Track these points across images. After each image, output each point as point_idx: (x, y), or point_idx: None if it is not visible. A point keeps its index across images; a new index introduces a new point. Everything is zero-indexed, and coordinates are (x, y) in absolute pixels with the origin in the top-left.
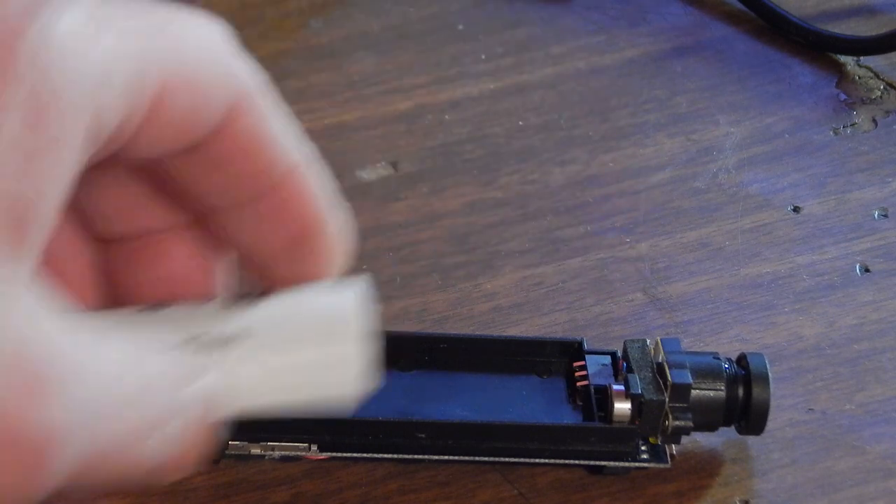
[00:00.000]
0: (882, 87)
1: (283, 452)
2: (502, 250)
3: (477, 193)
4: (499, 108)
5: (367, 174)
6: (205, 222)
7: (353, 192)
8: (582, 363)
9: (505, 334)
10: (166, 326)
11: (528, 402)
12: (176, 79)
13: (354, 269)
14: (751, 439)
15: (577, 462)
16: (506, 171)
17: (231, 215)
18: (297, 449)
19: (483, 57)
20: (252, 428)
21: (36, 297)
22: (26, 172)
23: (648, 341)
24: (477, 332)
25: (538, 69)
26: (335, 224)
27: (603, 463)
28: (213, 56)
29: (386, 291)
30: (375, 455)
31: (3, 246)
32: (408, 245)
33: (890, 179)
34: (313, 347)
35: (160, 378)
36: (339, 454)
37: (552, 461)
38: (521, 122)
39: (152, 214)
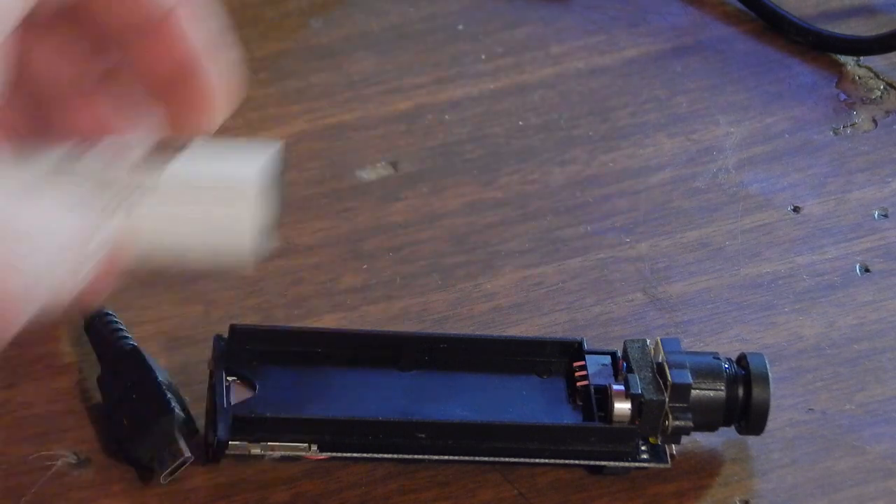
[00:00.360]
0: (882, 87)
1: (283, 452)
2: (502, 250)
3: (477, 193)
4: (499, 108)
5: (367, 174)
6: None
7: (353, 192)
8: (582, 363)
9: (505, 334)
10: (86, 173)
11: (528, 402)
12: None
13: (355, 269)
14: (751, 439)
15: (577, 462)
16: (506, 171)
17: (128, 52)
18: (298, 449)
19: (483, 57)
20: (252, 428)
21: None
22: None
23: (648, 341)
24: (477, 332)
25: (538, 69)
26: (213, 64)
27: (603, 463)
28: None
29: (386, 291)
30: (376, 455)
31: None
32: (408, 245)
33: (890, 179)
34: (210, 204)
35: (75, 234)
36: (340, 454)
37: (552, 461)
38: (521, 122)
39: (72, 62)
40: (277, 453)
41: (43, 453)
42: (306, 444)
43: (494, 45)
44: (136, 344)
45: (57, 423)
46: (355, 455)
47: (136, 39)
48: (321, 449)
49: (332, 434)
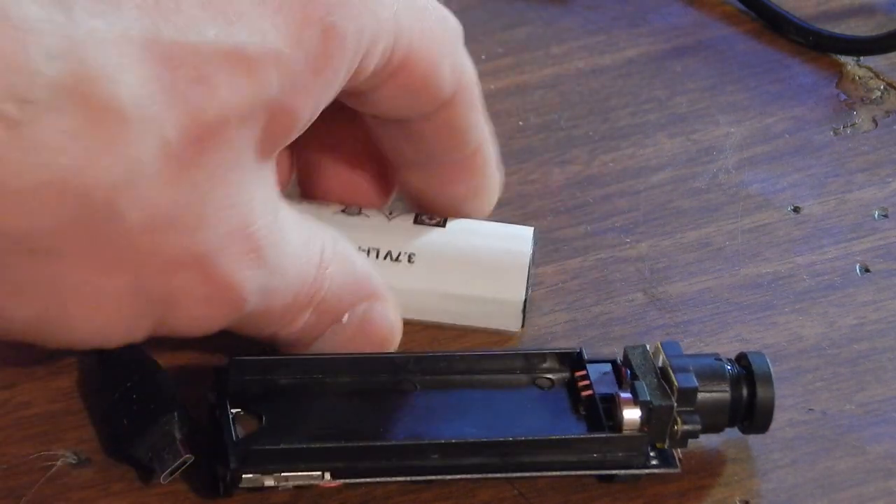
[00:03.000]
0: (882, 87)
1: (297, 482)
2: None
3: None
4: (499, 108)
5: None
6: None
7: None
8: (584, 372)
9: (503, 349)
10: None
11: (532, 415)
12: (420, 50)
13: None
14: (751, 439)
15: (588, 472)
16: (506, 171)
17: (419, 171)
18: (312, 478)
19: (483, 57)
20: (266, 460)
21: (271, 185)
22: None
23: (648, 346)
24: (474, 346)
25: (538, 69)
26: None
27: (614, 472)
28: (450, 38)
29: None
30: (389, 479)
31: (268, 146)
32: None
33: (890, 179)
34: (483, 285)
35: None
36: (353, 480)
37: (565, 473)
38: (521, 122)
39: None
40: (291, 483)
41: (43, 453)
42: (320, 473)
43: (494, 45)
44: (136, 344)
45: (57, 423)
46: (368, 480)
47: (432, 167)
48: (334, 476)
49: (345, 461)
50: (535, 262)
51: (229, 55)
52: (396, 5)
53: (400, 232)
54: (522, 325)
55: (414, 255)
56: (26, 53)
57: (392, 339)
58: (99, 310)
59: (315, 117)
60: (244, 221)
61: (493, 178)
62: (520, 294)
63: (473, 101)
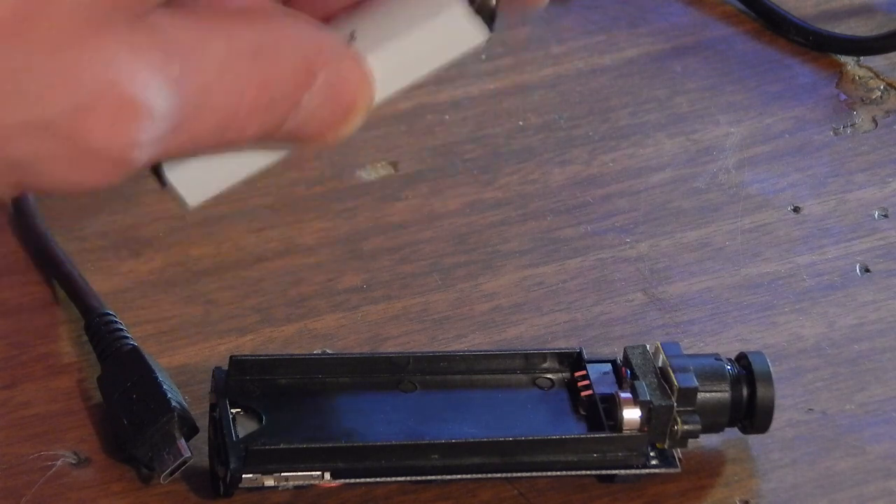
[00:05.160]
0: (882, 87)
1: (296, 482)
2: (502, 250)
3: (477, 193)
4: (499, 108)
5: (367, 174)
6: None
7: (353, 192)
8: (583, 373)
9: (503, 349)
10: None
11: (532, 415)
12: None
13: (356, 269)
14: (751, 439)
15: (588, 472)
16: (506, 171)
17: None
18: (311, 478)
19: (483, 57)
20: (266, 460)
21: (155, 33)
22: None
23: (648, 346)
24: (476, 342)
25: (538, 69)
26: None
27: (615, 472)
28: None
29: (386, 291)
30: (388, 479)
31: None
32: (408, 245)
33: (890, 179)
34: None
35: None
36: (352, 480)
37: (565, 473)
38: (521, 122)
39: None
40: (291, 483)
41: (43, 453)
42: (320, 473)
43: (494, 45)
44: (136, 344)
45: (57, 423)
46: (367, 480)
47: None
48: (334, 476)
49: (345, 461)
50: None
51: None
52: None
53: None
54: (491, 29)
55: (354, 31)
56: None
57: (364, 95)
58: None
59: None
60: (109, 79)
61: None
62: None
63: None
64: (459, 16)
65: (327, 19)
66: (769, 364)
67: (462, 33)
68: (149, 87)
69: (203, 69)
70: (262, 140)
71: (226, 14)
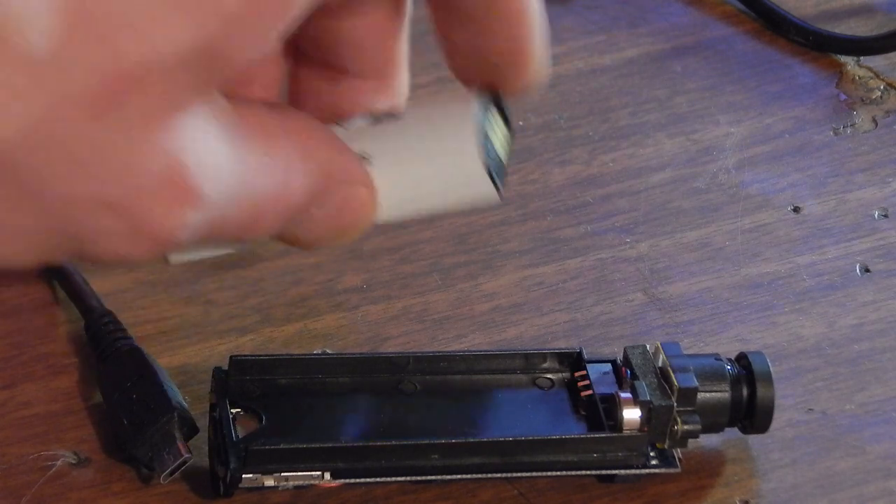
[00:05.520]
0: (882, 87)
1: (297, 483)
2: (502, 250)
3: None
4: None
5: None
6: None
7: None
8: (583, 373)
9: (503, 349)
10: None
11: (532, 415)
12: None
13: (355, 269)
14: (751, 439)
15: (588, 472)
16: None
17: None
18: (312, 478)
19: None
20: (266, 460)
21: (215, 120)
22: None
23: (648, 346)
24: (475, 342)
25: None
26: (539, 49)
27: (615, 472)
28: None
29: (386, 291)
30: (388, 479)
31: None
32: (408, 245)
33: (890, 179)
34: (436, 150)
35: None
36: (352, 480)
37: (565, 473)
38: (520, 123)
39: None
40: (291, 483)
41: (43, 453)
42: (320, 473)
43: None
44: (136, 344)
45: (57, 423)
46: (368, 480)
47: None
48: (334, 476)
49: (346, 461)
50: (512, 131)
51: None
52: None
53: (354, 135)
54: (499, 190)
55: (369, 154)
56: None
57: (367, 219)
58: (7, 243)
59: (265, 52)
60: (175, 165)
61: (533, 39)
62: (471, 143)
63: None
64: (478, 174)
65: (333, 117)
66: (769, 364)
67: (477, 192)
68: (209, 177)
69: (249, 167)
70: (263, 238)
71: (269, 112)
